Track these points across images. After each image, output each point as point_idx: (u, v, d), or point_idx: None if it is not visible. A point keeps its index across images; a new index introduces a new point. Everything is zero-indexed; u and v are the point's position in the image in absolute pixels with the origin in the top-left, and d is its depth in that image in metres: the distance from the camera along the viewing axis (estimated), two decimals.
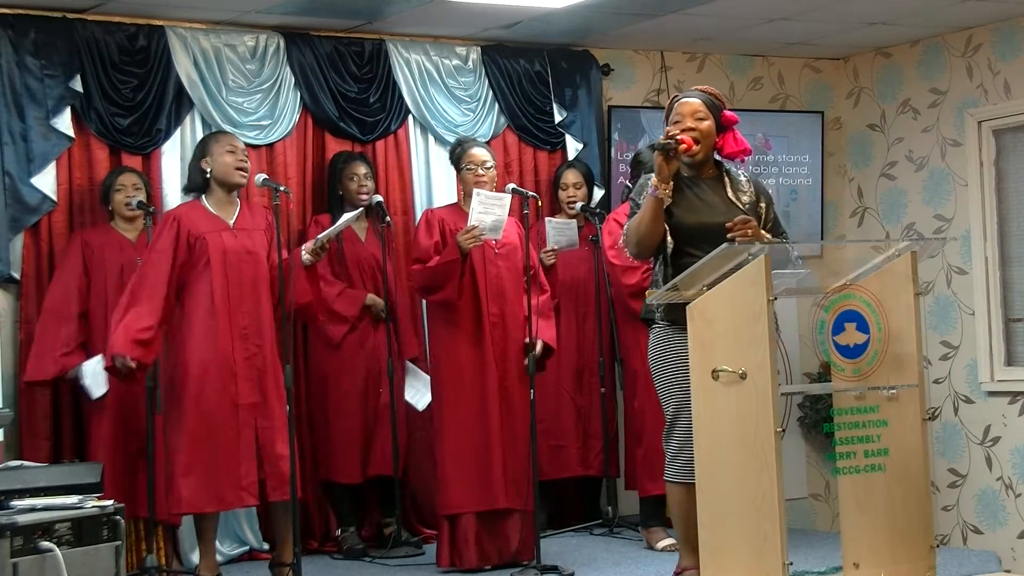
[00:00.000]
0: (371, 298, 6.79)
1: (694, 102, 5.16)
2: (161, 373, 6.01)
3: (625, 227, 5.16)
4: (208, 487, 5.73)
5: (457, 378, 6.14)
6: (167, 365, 5.88)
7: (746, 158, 5.30)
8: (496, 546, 6.15)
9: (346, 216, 6.06)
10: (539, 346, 6.19)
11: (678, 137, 5.01)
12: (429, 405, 6.54)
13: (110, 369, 5.75)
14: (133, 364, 5.64)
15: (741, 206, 5.15)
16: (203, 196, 5.96)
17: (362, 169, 6.92)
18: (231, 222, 5.92)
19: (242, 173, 5.92)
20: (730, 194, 5.18)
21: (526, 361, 6.09)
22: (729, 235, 4.88)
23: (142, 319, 5.67)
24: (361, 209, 6.16)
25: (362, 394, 6.78)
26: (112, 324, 5.74)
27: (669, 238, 5.05)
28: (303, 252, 5.92)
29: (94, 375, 6.12)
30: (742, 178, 5.24)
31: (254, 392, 5.79)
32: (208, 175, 5.93)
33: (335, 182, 6.93)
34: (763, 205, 5.23)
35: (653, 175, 5.12)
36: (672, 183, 5.02)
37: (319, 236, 5.95)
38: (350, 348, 6.79)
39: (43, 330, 6.22)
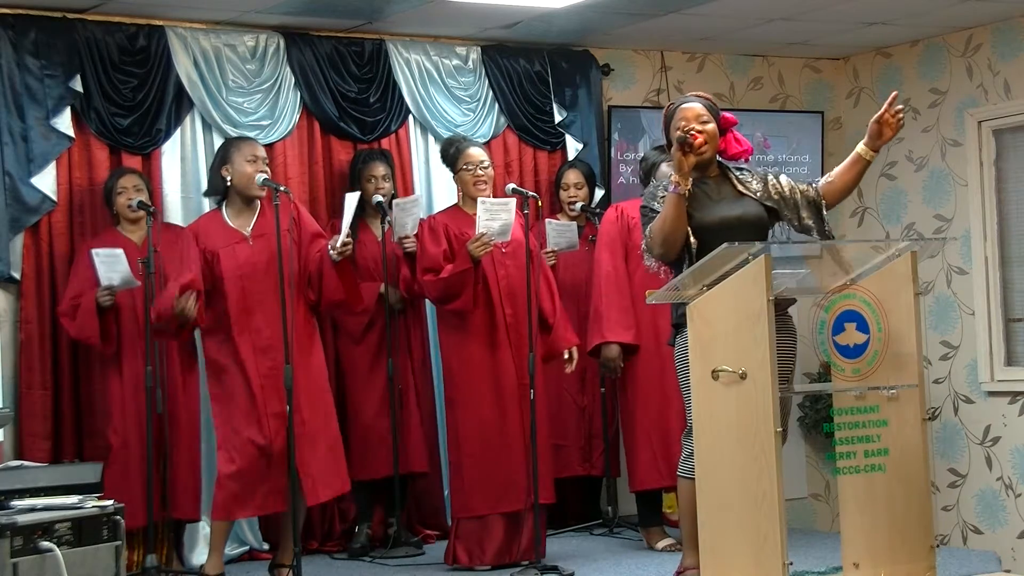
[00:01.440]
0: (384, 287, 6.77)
1: (696, 106, 5.17)
2: (167, 374, 6.03)
3: (647, 231, 5.12)
4: (241, 494, 5.78)
5: (474, 382, 6.13)
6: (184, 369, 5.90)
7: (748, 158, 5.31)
8: (515, 544, 6.16)
9: (347, 208, 5.98)
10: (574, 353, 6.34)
11: (692, 131, 5.03)
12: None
13: (172, 319, 5.71)
14: (193, 296, 5.68)
15: (752, 195, 5.17)
16: (223, 204, 5.98)
17: (380, 170, 6.90)
18: (248, 231, 5.91)
19: (260, 186, 5.91)
20: (739, 187, 5.20)
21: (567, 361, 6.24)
22: (889, 112, 4.95)
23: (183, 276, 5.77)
24: (356, 193, 6.09)
25: (386, 389, 6.77)
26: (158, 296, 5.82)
27: (692, 238, 5.05)
28: (329, 250, 5.88)
29: (112, 269, 6.09)
30: (745, 172, 5.27)
31: (281, 401, 5.77)
32: (228, 183, 5.93)
33: (355, 181, 6.93)
34: (772, 183, 5.20)
35: (664, 180, 5.14)
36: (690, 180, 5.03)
37: (338, 237, 5.88)
38: (371, 343, 6.79)
39: (68, 327, 6.22)
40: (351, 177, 6.97)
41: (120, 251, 6.11)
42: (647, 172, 6.53)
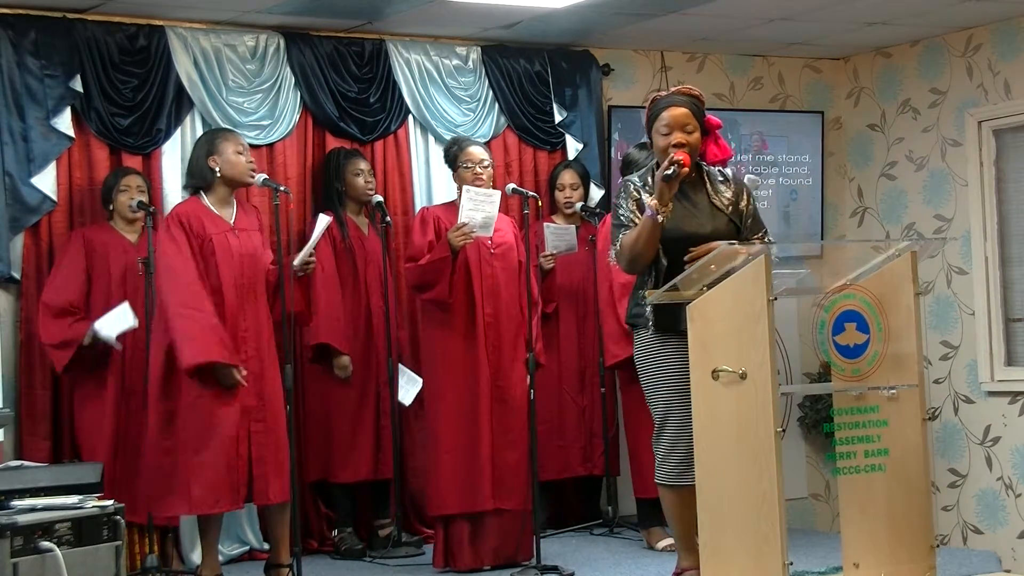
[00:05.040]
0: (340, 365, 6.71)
1: (682, 112, 5.08)
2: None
3: (618, 243, 5.07)
4: (209, 489, 5.73)
5: (450, 378, 6.13)
6: (166, 366, 5.85)
7: (730, 158, 5.29)
8: (491, 546, 6.14)
9: (318, 229, 5.97)
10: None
11: (681, 160, 4.93)
12: (415, 401, 6.59)
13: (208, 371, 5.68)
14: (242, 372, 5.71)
15: (724, 210, 5.15)
16: (202, 193, 5.95)
17: (364, 165, 6.92)
18: (231, 222, 5.92)
19: (252, 175, 5.92)
20: (712, 197, 5.16)
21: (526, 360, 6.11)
22: (685, 259, 4.93)
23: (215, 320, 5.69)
24: (328, 217, 6.13)
25: (366, 395, 6.77)
26: (182, 330, 5.66)
27: (663, 258, 5.02)
28: (293, 264, 5.88)
29: (111, 323, 6.06)
30: (719, 177, 5.22)
31: (250, 395, 5.78)
32: (217, 173, 5.92)
33: (334, 179, 6.92)
34: (743, 204, 5.21)
35: (628, 186, 5.11)
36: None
37: (300, 254, 5.88)
38: (354, 350, 6.79)
39: (44, 324, 6.17)
40: (331, 175, 6.92)
41: (126, 310, 6.04)
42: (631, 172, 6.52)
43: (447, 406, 6.14)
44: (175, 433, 5.74)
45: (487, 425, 6.12)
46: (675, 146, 5.02)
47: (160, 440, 5.78)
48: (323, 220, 5.95)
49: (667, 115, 5.09)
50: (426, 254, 6.11)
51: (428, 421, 6.30)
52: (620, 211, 5.12)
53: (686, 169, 4.95)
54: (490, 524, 6.14)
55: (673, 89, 5.24)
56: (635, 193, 5.08)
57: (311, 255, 5.90)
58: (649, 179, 5.11)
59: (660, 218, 4.92)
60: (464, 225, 5.99)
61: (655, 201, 4.92)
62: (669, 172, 4.90)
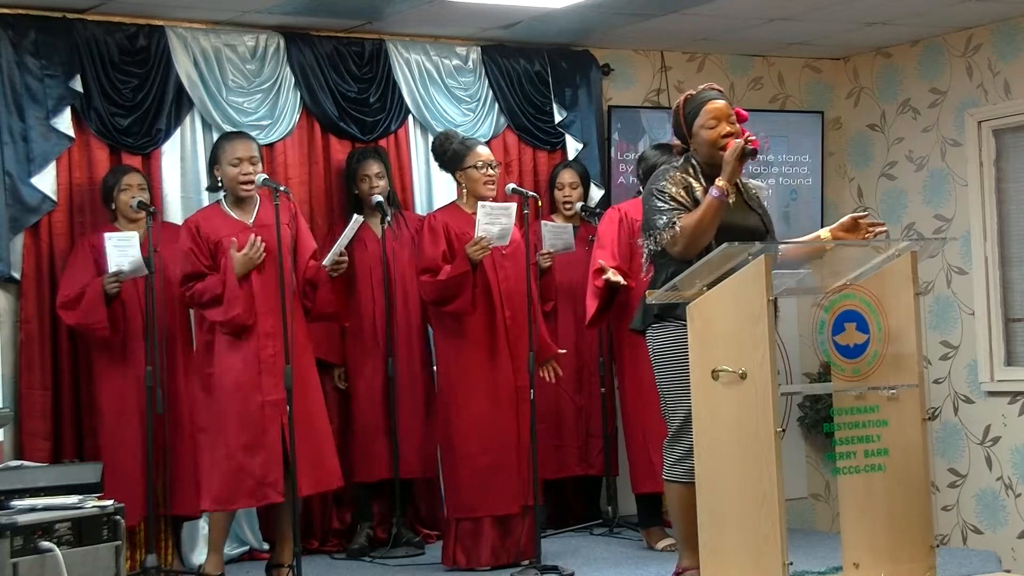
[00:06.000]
0: None
1: (724, 104, 5.12)
2: (169, 365, 6.03)
3: (675, 226, 4.99)
4: (234, 484, 5.76)
5: (472, 384, 6.12)
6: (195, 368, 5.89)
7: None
8: (508, 545, 6.16)
9: (348, 228, 6.02)
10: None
11: (754, 137, 4.99)
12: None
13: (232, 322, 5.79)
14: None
15: (756, 209, 5.21)
16: (222, 198, 6.02)
17: (374, 168, 6.90)
18: (250, 221, 5.94)
19: (245, 188, 5.93)
20: (744, 195, 5.21)
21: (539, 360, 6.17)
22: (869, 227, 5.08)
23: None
24: (360, 217, 6.16)
25: (378, 394, 6.78)
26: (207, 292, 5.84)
27: (714, 245, 5.02)
28: (326, 266, 5.93)
29: (119, 248, 6.09)
30: (747, 181, 5.27)
31: (279, 388, 5.78)
32: (220, 183, 5.99)
33: (351, 182, 6.93)
34: (766, 209, 5.30)
35: (673, 172, 5.09)
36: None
37: (330, 253, 5.94)
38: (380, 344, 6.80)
39: (68, 317, 6.18)
40: (347, 178, 6.97)
41: (135, 234, 6.11)
42: (647, 172, 6.50)
43: (470, 411, 6.12)
44: (207, 431, 5.80)
45: (514, 428, 6.11)
46: (726, 136, 5.05)
47: (197, 434, 5.87)
48: (354, 220, 5.99)
49: (711, 108, 5.10)
50: (441, 264, 6.09)
51: (440, 426, 6.29)
52: (663, 196, 5.06)
53: (756, 144, 5.01)
54: (510, 524, 6.14)
55: (703, 86, 5.24)
56: (682, 180, 5.08)
57: (341, 254, 5.93)
58: (690, 169, 5.12)
59: (728, 199, 4.95)
60: (482, 239, 5.98)
61: (724, 182, 4.94)
62: (751, 149, 4.95)
